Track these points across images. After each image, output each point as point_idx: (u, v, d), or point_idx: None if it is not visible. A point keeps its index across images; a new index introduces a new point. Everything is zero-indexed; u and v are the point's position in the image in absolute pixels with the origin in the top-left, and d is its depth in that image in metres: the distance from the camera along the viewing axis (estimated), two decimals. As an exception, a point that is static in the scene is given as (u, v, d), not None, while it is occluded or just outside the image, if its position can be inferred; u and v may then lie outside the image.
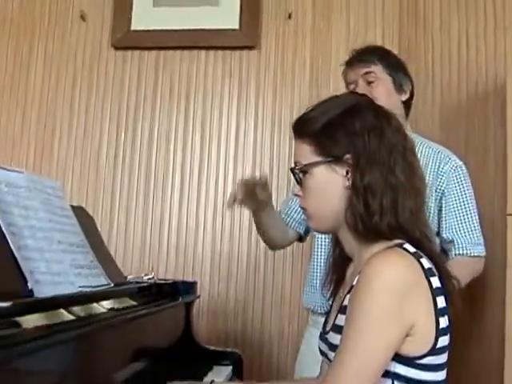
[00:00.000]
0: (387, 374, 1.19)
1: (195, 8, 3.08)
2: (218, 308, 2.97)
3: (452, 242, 2.07)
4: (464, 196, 2.09)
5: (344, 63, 2.20)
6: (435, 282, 1.22)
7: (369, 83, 2.08)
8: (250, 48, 3.08)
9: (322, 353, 1.42)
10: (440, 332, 1.20)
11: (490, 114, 2.59)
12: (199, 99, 3.10)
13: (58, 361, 1.20)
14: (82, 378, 1.29)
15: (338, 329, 1.26)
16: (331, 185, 1.31)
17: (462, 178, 2.11)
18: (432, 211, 2.07)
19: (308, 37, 3.04)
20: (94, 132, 3.14)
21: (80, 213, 1.89)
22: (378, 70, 2.10)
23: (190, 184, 3.06)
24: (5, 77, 3.21)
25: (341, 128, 1.30)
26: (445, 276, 1.27)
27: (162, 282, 2.12)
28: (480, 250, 2.09)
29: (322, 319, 1.53)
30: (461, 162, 2.15)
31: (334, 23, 3.03)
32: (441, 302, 1.22)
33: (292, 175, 1.39)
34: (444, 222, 2.08)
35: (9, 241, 1.33)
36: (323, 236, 2.11)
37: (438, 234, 2.09)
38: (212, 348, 2.18)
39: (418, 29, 2.87)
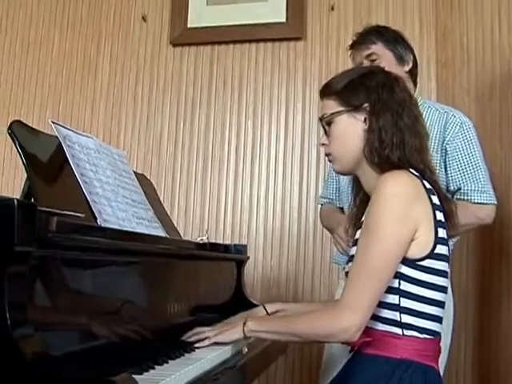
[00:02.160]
0: (394, 274, 1.44)
1: (245, 4, 3.35)
2: (272, 281, 3.20)
3: (458, 190, 2.18)
4: (468, 149, 2.18)
5: (349, 47, 2.36)
6: (435, 199, 1.49)
7: (372, 61, 2.22)
8: (297, 39, 3.32)
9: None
10: (438, 240, 1.46)
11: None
12: (251, 88, 3.36)
13: (119, 282, 1.45)
14: (142, 305, 1.55)
15: (356, 241, 1.52)
16: (352, 129, 1.57)
17: (467, 133, 2.19)
18: (439, 168, 2.17)
19: (350, 27, 3.25)
20: (155, 122, 3.44)
21: (142, 179, 2.16)
22: (377, 49, 2.23)
23: (244, 167, 3.31)
24: (75, 75, 3.56)
25: (360, 85, 1.59)
26: (443, 199, 1.53)
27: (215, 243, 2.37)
28: (485, 198, 2.15)
29: None
30: (466, 119, 2.24)
31: (374, 13, 3.23)
32: (440, 216, 1.48)
33: (321, 127, 1.66)
34: (450, 175, 2.18)
35: (82, 186, 1.59)
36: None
37: (448, 189, 2.19)
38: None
39: (453, 14, 3.04)
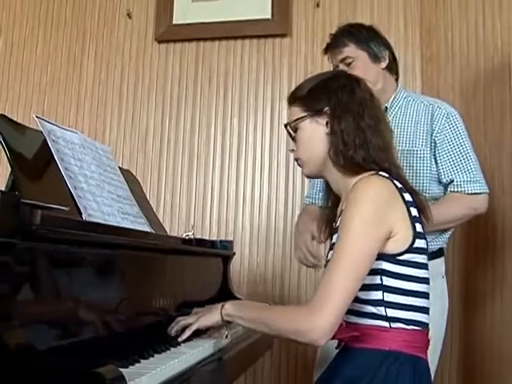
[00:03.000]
0: (375, 271, 1.46)
1: (230, 0, 3.35)
2: (258, 277, 3.20)
3: (451, 182, 2.17)
4: (457, 139, 2.16)
5: (323, 51, 2.34)
6: (407, 196, 1.52)
7: (348, 64, 2.21)
8: (282, 36, 3.33)
9: None
10: (416, 234, 1.49)
11: (506, 85, 2.73)
12: (236, 85, 3.36)
13: (109, 276, 1.45)
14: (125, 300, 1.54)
15: (332, 247, 1.55)
16: (316, 134, 1.61)
17: (454, 124, 2.19)
18: (429, 161, 2.17)
19: (335, 24, 3.22)
20: (141, 119, 3.43)
21: (128, 175, 2.15)
22: (350, 51, 2.21)
23: (230, 163, 3.31)
24: (60, 73, 3.54)
25: (321, 89, 1.64)
26: (414, 194, 1.56)
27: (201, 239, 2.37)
28: (478, 188, 2.14)
29: None
30: (452, 109, 2.24)
31: (359, 9, 3.24)
32: (414, 212, 1.52)
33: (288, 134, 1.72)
34: (441, 167, 2.17)
35: (66, 181, 1.58)
36: None
37: (440, 181, 2.19)
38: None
39: (437, 10, 3.05)
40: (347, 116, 1.56)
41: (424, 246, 1.52)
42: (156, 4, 3.46)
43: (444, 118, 2.19)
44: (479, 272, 2.66)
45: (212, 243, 2.36)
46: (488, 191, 2.19)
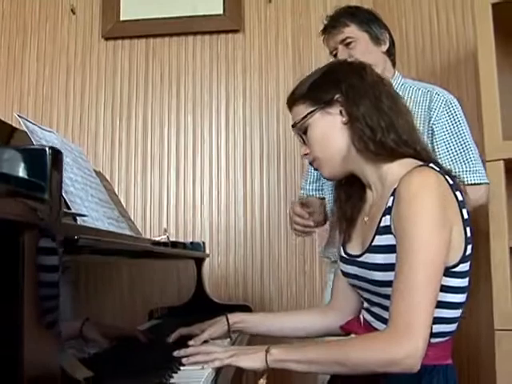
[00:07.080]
0: None
1: (181, -5, 3.25)
2: (220, 279, 3.13)
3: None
4: (456, 128, 2.09)
5: (321, 33, 2.24)
6: (459, 195, 1.34)
7: (347, 45, 2.13)
8: (235, 32, 3.26)
9: (350, 275, 1.51)
10: (467, 240, 1.33)
11: (462, 79, 2.76)
12: (189, 83, 3.27)
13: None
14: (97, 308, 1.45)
15: (377, 249, 1.37)
16: (331, 126, 1.45)
17: (453, 111, 2.10)
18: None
19: (288, 18, 3.23)
20: (89, 120, 3.28)
21: (101, 178, 2.04)
22: (351, 32, 2.13)
23: (186, 163, 3.22)
24: (-1, 72, 3.35)
25: (325, 80, 1.48)
26: (453, 178, 1.38)
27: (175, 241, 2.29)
28: (478, 178, 2.05)
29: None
30: (450, 96, 2.15)
31: (312, 4, 3.22)
32: (465, 213, 1.34)
33: (297, 138, 1.54)
34: (439, 156, 2.05)
35: (57, 185, 1.47)
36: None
37: None
38: (224, 303, 2.34)
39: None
40: (364, 99, 1.40)
41: (471, 251, 1.34)
42: (102, -1, 3.33)
43: (442, 106, 2.10)
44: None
45: (184, 245, 2.29)
46: (488, 182, 2.09)
